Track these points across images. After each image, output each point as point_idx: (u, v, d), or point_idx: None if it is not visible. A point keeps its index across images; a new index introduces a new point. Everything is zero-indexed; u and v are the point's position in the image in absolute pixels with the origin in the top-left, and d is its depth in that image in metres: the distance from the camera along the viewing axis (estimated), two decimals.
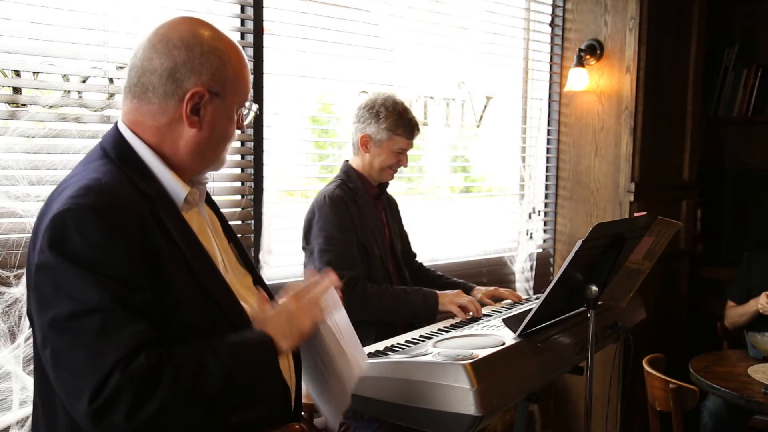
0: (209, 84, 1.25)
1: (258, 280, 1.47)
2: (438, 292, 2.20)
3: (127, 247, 1.12)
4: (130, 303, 1.10)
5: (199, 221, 1.35)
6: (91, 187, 1.15)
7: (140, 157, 1.26)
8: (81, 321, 1.07)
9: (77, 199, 1.12)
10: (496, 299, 2.36)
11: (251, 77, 1.36)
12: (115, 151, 1.25)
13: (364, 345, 1.86)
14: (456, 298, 2.16)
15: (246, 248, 1.52)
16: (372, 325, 2.19)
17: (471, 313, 2.12)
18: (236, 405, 1.16)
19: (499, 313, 2.13)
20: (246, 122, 1.36)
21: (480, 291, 2.38)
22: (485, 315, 2.13)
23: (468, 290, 2.40)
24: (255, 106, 1.38)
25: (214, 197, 2.38)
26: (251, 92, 1.40)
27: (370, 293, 2.16)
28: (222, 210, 2.49)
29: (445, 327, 2.00)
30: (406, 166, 2.37)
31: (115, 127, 1.29)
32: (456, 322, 2.04)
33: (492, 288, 2.39)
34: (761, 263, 3.12)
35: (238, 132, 1.37)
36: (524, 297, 2.57)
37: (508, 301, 2.37)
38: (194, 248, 1.25)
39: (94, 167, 1.22)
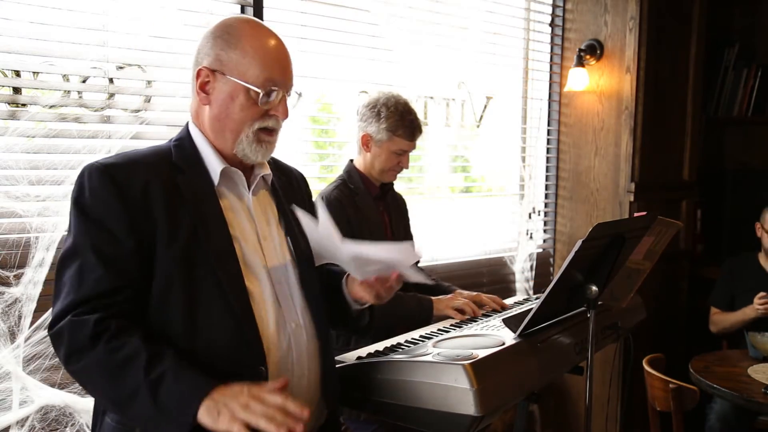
0: (212, 63, 1.37)
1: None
2: (433, 297, 2.16)
3: (119, 203, 1.27)
4: (104, 252, 1.26)
5: (238, 203, 1.42)
6: (119, 154, 1.39)
7: (192, 137, 1.42)
8: (68, 261, 1.27)
9: (101, 159, 1.33)
10: (478, 305, 2.29)
11: (282, 66, 1.40)
12: (178, 135, 1.44)
13: (362, 346, 1.86)
14: (451, 302, 2.12)
15: (302, 244, 1.50)
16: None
17: (467, 315, 2.07)
18: (132, 418, 1.23)
19: (498, 313, 2.13)
20: (276, 107, 1.40)
21: (462, 294, 2.28)
22: (485, 315, 2.12)
23: (450, 293, 2.30)
24: (290, 93, 1.43)
25: None
26: (285, 79, 1.41)
27: None
28: None
29: (445, 327, 2.00)
30: (407, 167, 2.34)
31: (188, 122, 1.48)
32: (456, 322, 2.03)
33: (474, 293, 2.28)
34: (741, 268, 3.15)
35: (281, 120, 1.44)
36: (523, 297, 2.56)
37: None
38: (212, 216, 1.34)
39: (152, 148, 1.43)
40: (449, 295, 2.18)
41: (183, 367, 1.21)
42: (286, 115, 1.43)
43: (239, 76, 1.35)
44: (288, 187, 1.59)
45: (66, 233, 1.32)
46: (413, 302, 2.17)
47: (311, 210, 1.56)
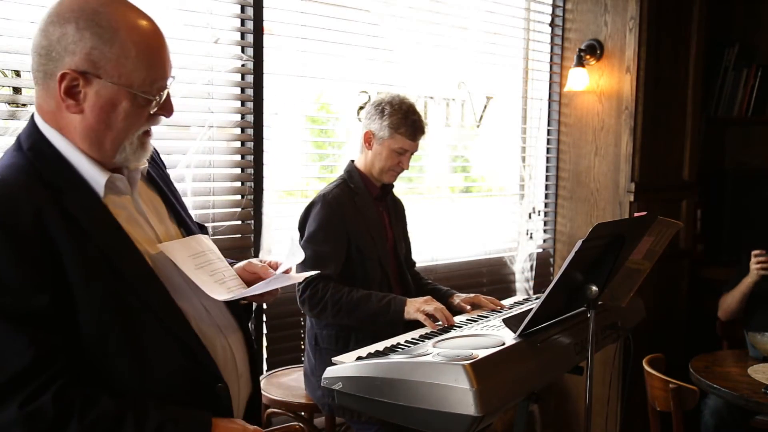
0: (80, 64, 1.12)
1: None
2: (407, 299, 2.10)
3: (16, 250, 1.05)
4: (16, 315, 1.04)
5: (129, 208, 1.25)
6: None
7: (53, 145, 1.17)
8: None
9: None
10: (476, 306, 2.24)
11: (165, 58, 1.20)
12: (28, 141, 1.17)
13: (362, 346, 1.86)
14: (423, 306, 2.04)
15: (192, 227, 1.40)
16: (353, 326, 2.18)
17: (439, 322, 2.01)
18: None
19: (498, 314, 2.13)
20: (163, 107, 1.22)
21: (459, 297, 2.30)
22: (466, 321, 2.05)
23: (448, 297, 2.32)
24: (170, 81, 1.22)
25: (213, 197, 2.41)
26: (169, 72, 1.22)
27: (330, 294, 2.11)
28: (222, 210, 2.49)
29: (444, 327, 2.00)
30: (407, 168, 2.34)
31: (32, 116, 1.21)
32: (438, 329, 2.00)
33: (472, 295, 2.29)
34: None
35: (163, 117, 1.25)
36: (523, 297, 2.56)
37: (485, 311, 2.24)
38: (115, 238, 1.17)
39: (3, 160, 1.17)
40: (423, 298, 2.11)
41: (174, 412, 1.13)
42: (172, 112, 1.25)
43: (123, 81, 1.13)
44: (159, 171, 1.40)
45: None
46: (382, 302, 2.11)
47: (170, 182, 1.44)
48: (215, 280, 1.29)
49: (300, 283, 2.13)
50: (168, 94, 1.22)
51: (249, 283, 1.39)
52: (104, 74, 1.13)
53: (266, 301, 1.49)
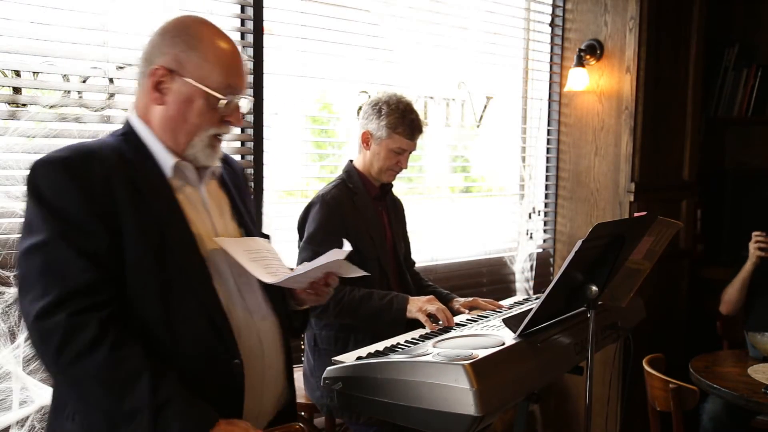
0: (169, 62, 1.34)
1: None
2: (409, 297, 2.10)
3: (83, 197, 1.24)
4: (78, 244, 1.22)
5: (193, 197, 1.41)
6: (70, 147, 1.32)
7: (136, 132, 1.38)
8: (35, 252, 1.22)
9: (53, 153, 1.29)
10: (475, 310, 2.24)
11: (240, 72, 1.40)
12: (121, 129, 1.41)
13: (361, 347, 1.86)
14: (426, 305, 2.04)
15: (255, 235, 1.53)
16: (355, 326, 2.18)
17: (441, 322, 2.01)
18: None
19: (498, 314, 2.13)
20: (232, 114, 1.39)
21: (458, 302, 2.29)
22: (465, 321, 2.05)
23: (448, 301, 2.31)
24: (244, 101, 1.42)
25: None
26: (243, 86, 1.42)
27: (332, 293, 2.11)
28: None
29: (445, 327, 2.00)
30: (405, 167, 2.33)
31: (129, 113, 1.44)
32: (437, 329, 2.00)
33: (471, 299, 2.29)
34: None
35: (233, 127, 1.43)
36: (523, 297, 2.56)
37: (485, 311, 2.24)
38: (171, 212, 1.34)
39: (99, 139, 1.41)
40: (425, 297, 2.11)
41: (186, 396, 1.21)
42: (240, 123, 1.43)
43: (199, 80, 1.34)
44: (236, 180, 1.58)
45: (23, 231, 1.27)
46: (384, 300, 2.11)
47: (248, 198, 1.62)
48: (267, 271, 1.40)
49: None
50: (238, 105, 1.40)
51: (304, 291, 1.52)
52: (186, 73, 1.34)
53: (321, 301, 1.57)
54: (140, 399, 1.17)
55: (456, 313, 2.22)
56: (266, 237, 1.59)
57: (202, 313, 1.31)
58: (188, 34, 1.35)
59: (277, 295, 1.50)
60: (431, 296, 2.14)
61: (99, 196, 1.25)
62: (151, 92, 1.35)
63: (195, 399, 1.22)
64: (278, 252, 1.52)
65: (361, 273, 1.55)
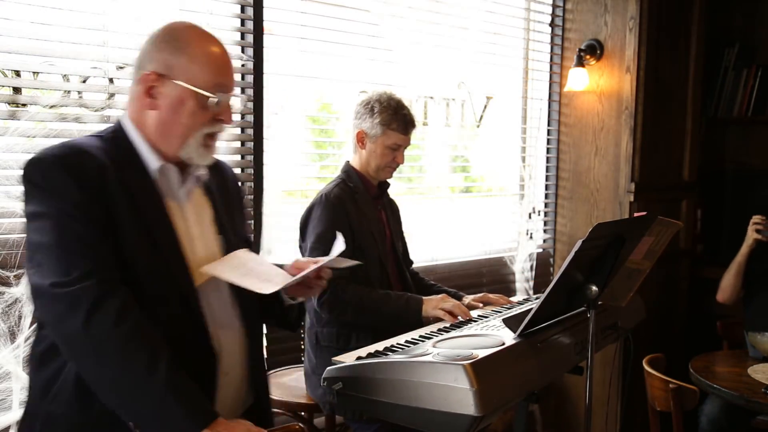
0: (159, 67, 1.37)
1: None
2: (423, 297, 2.16)
3: (80, 186, 1.27)
4: (87, 219, 1.26)
5: (174, 199, 1.43)
6: (64, 144, 1.35)
7: (127, 135, 1.41)
8: (46, 229, 1.25)
9: (47, 150, 1.32)
10: (486, 305, 2.29)
11: (228, 71, 1.44)
12: (108, 130, 1.43)
13: (362, 344, 1.86)
14: (441, 303, 2.11)
15: (233, 244, 1.54)
16: (368, 326, 2.19)
17: (459, 317, 2.07)
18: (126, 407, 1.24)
19: (498, 313, 2.13)
20: (223, 112, 1.42)
21: (468, 298, 2.33)
22: (481, 316, 2.11)
23: (458, 298, 2.32)
24: (235, 98, 1.45)
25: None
26: (231, 84, 1.45)
27: (350, 295, 2.13)
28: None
29: (445, 327, 2.00)
30: (402, 162, 2.35)
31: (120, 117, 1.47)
32: (456, 322, 2.03)
33: (481, 294, 2.34)
34: (762, 251, 3.09)
35: (226, 125, 1.46)
36: (523, 297, 2.56)
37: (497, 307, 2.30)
38: (158, 213, 1.37)
39: (82, 138, 1.42)
40: (439, 296, 2.17)
41: (195, 386, 1.25)
42: (231, 121, 1.45)
43: (189, 81, 1.37)
44: (223, 188, 1.59)
45: (28, 218, 1.31)
46: (401, 301, 2.16)
47: (239, 205, 1.65)
48: (262, 280, 1.44)
49: None
50: (229, 104, 1.43)
51: (294, 286, 1.53)
52: (176, 76, 1.37)
53: (315, 293, 1.62)
54: (159, 374, 1.20)
55: (468, 308, 2.24)
56: (249, 244, 1.63)
57: (186, 310, 1.37)
58: (176, 38, 1.39)
59: (247, 302, 1.52)
60: (443, 295, 2.20)
61: (93, 188, 1.29)
62: (143, 98, 1.38)
63: (200, 392, 1.26)
64: (262, 258, 1.55)
65: (353, 263, 1.60)
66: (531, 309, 1.64)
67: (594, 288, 1.66)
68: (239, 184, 1.71)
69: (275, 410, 2.33)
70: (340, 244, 1.52)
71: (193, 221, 1.46)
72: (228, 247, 1.51)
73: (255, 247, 2.50)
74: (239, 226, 1.62)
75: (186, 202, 1.46)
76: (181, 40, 1.39)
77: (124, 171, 1.35)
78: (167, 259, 1.36)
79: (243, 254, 1.51)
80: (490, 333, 1.75)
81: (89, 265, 1.24)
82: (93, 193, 1.28)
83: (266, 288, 1.41)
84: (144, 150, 1.40)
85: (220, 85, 1.40)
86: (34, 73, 2.00)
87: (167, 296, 1.35)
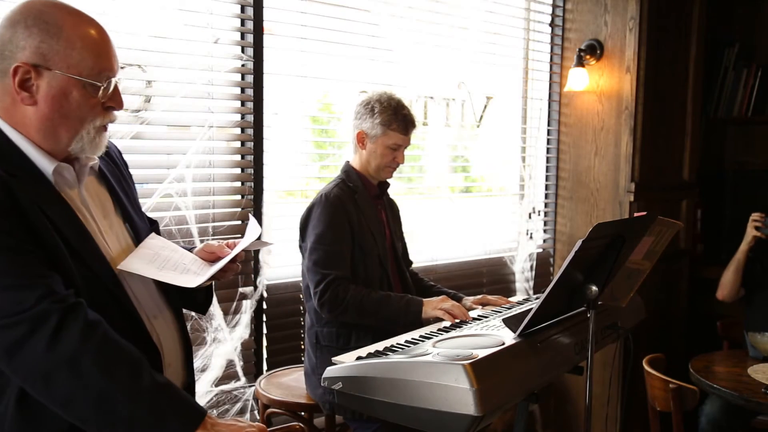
0: (31, 57, 1.22)
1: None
2: (423, 299, 2.17)
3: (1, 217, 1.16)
4: (15, 241, 1.17)
5: (74, 198, 1.33)
6: None
7: (6, 137, 1.26)
8: None
9: None
10: (485, 306, 2.31)
11: (111, 54, 1.30)
12: None
13: (362, 343, 1.86)
14: (440, 304, 2.13)
15: (141, 229, 1.48)
16: (368, 326, 2.19)
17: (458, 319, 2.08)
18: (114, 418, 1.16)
19: (498, 313, 2.13)
20: (114, 99, 1.30)
21: (468, 300, 2.36)
22: (481, 316, 2.11)
23: (458, 300, 2.35)
24: (114, 79, 1.31)
25: (213, 197, 2.41)
26: (115, 66, 1.32)
27: (351, 295, 2.14)
28: (222, 210, 2.49)
29: (445, 327, 2.00)
30: (402, 162, 2.36)
31: None
32: (456, 322, 2.04)
33: (480, 296, 2.36)
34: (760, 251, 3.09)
35: (117, 113, 1.35)
36: (523, 297, 2.57)
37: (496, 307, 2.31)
38: (68, 219, 1.27)
39: None
40: (439, 297, 2.19)
41: (177, 387, 1.23)
42: (122, 105, 1.34)
43: (71, 71, 1.23)
44: (114, 168, 1.48)
45: None
46: (401, 303, 2.17)
47: (130, 180, 1.53)
48: (180, 272, 1.40)
49: (318, 287, 2.15)
50: (117, 87, 1.31)
51: (211, 263, 1.49)
52: (54, 65, 1.23)
53: (227, 278, 1.55)
54: (143, 382, 1.16)
55: (468, 309, 2.24)
56: (154, 224, 1.59)
57: (123, 318, 1.31)
58: (45, 21, 1.23)
59: (168, 285, 1.44)
60: (443, 296, 2.21)
61: (7, 210, 1.18)
62: (17, 93, 1.24)
63: (183, 392, 1.24)
64: (170, 242, 1.49)
65: (268, 244, 1.66)
66: (531, 309, 1.64)
67: (594, 288, 1.66)
68: (121, 153, 1.57)
69: (276, 410, 2.34)
70: (254, 228, 1.50)
71: (99, 215, 1.37)
72: (136, 234, 1.44)
73: None
74: (137, 204, 1.53)
75: (87, 197, 1.36)
76: (52, 24, 1.23)
77: (24, 181, 1.22)
78: (89, 264, 1.27)
79: (153, 242, 1.44)
80: (490, 333, 1.75)
81: (38, 289, 1.15)
82: (12, 215, 1.18)
83: (189, 281, 1.36)
84: (31, 152, 1.26)
85: (106, 69, 1.27)
86: None
87: (100, 301, 1.26)
